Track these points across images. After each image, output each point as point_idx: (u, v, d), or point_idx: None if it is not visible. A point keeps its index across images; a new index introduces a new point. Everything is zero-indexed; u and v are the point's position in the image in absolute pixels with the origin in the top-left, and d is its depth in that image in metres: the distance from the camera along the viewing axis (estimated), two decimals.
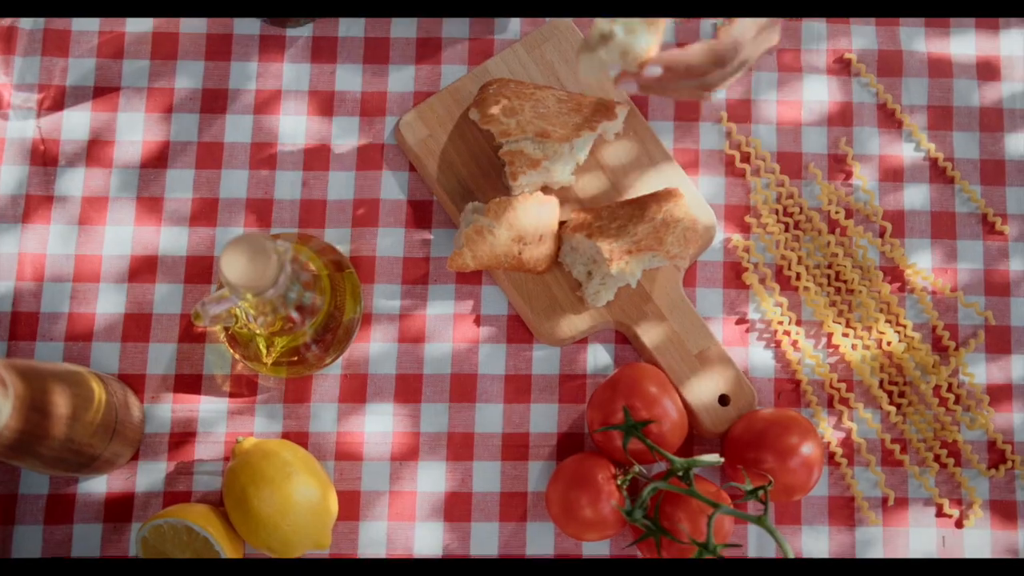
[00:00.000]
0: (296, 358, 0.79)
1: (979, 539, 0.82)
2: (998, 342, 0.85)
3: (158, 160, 0.85)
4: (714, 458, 0.75)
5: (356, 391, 0.82)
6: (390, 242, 0.85)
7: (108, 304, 0.83)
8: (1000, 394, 0.84)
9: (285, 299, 0.70)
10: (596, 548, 0.81)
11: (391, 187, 0.86)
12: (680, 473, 0.76)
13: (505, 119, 0.81)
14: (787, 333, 0.85)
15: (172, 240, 0.84)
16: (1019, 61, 0.90)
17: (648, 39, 0.66)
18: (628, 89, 0.68)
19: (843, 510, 0.82)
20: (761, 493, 0.75)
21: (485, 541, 0.81)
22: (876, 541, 0.82)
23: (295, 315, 0.73)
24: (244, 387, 0.82)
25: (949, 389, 0.85)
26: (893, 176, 0.88)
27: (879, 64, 0.89)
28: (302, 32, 0.88)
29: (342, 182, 0.86)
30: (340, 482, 0.81)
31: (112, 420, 0.74)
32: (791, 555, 0.71)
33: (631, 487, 0.81)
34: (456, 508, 0.81)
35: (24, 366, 0.66)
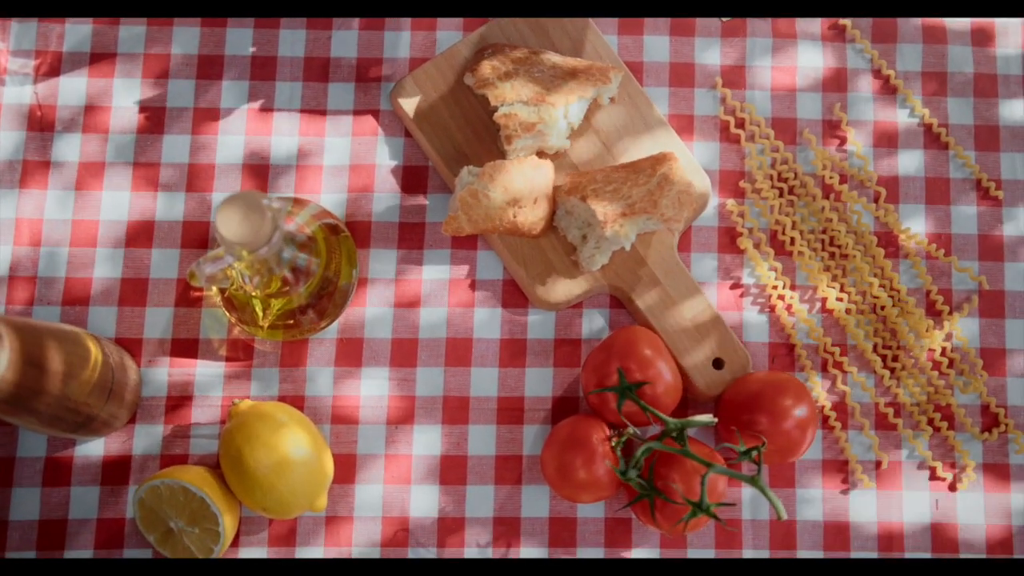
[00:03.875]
0: (292, 322, 0.79)
1: (972, 502, 0.82)
2: (991, 306, 0.85)
3: (154, 125, 0.86)
4: (707, 418, 0.76)
5: (352, 355, 0.83)
6: (385, 207, 0.85)
7: (105, 269, 0.83)
8: (993, 358, 0.85)
9: (279, 258, 0.71)
10: (591, 510, 0.82)
11: (386, 152, 0.86)
12: (674, 434, 0.76)
13: (500, 83, 0.81)
14: (781, 297, 0.85)
15: (168, 205, 0.85)
16: (1013, 27, 0.90)
17: None
18: None
19: (837, 473, 0.83)
20: (755, 454, 0.75)
21: (480, 504, 0.81)
22: (870, 504, 0.82)
23: (289, 276, 0.74)
24: (240, 351, 0.83)
25: (943, 353, 0.85)
26: (887, 142, 0.88)
27: (873, 30, 0.89)
28: None
29: (338, 148, 0.86)
30: (336, 445, 0.82)
31: (108, 380, 0.74)
32: (784, 515, 0.71)
33: (625, 449, 0.82)
34: (451, 471, 0.82)
35: (21, 322, 0.66)
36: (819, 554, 0.81)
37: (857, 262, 0.85)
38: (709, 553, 0.81)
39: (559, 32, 0.86)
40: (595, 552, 0.81)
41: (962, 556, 0.82)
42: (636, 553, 0.81)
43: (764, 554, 0.81)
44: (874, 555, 0.81)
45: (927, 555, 0.82)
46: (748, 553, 0.81)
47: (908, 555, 0.81)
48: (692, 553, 0.81)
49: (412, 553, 0.80)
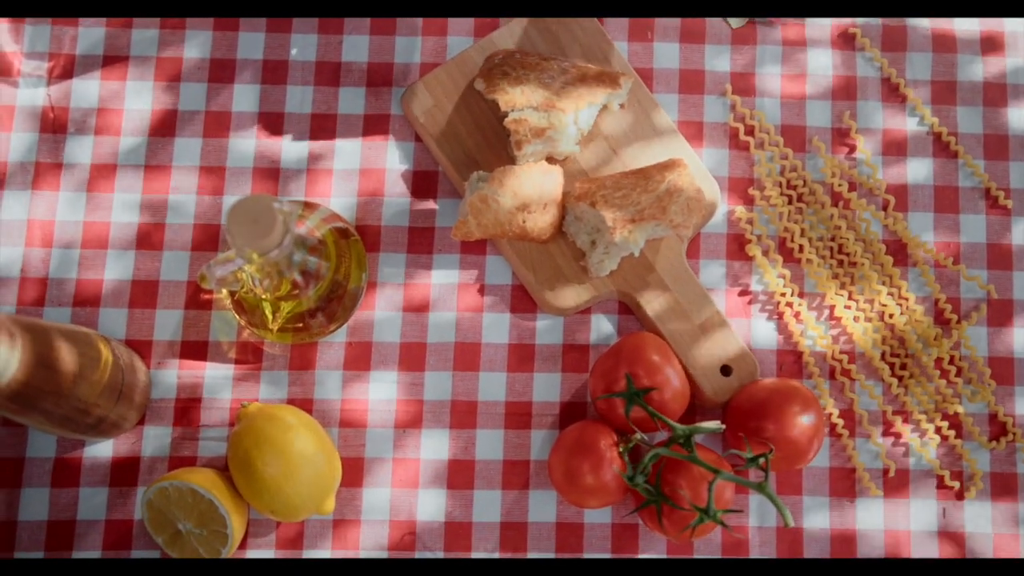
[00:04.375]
0: (301, 325, 0.79)
1: (980, 511, 0.82)
2: (1000, 315, 0.85)
3: (166, 129, 0.86)
4: (715, 425, 0.76)
5: (360, 359, 0.83)
6: (395, 211, 0.85)
7: (115, 271, 0.84)
8: (1002, 367, 0.85)
9: (290, 261, 0.71)
10: (598, 516, 0.82)
11: (397, 157, 0.86)
12: (681, 440, 0.76)
13: (510, 88, 0.81)
14: (789, 305, 0.85)
15: (179, 208, 0.85)
16: (1023, 37, 0.90)
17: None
18: None
19: (844, 481, 0.83)
20: (762, 461, 0.75)
21: (487, 508, 0.81)
22: (877, 512, 0.82)
23: (299, 279, 0.74)
24: (250, 354, 0.83)
25: (951, 362, 0.85)
26: (896, 150, 0.88)
27: (883, 38, 0.89)
28: None
29: (348, 152, 0.86)
30: (344, 449, 0.82)
31: (118, 381, 0.74)
32: (791, 522, 0.71)
33: (633, 455, 0.82)
34: (459, 475, 0.82)
35: (32, 323, 0.66)
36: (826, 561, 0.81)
37: (866, 270, 0.85)
38: (715, 560, 0.81)
39: (569, 38, 0.87)
40: (602, 557, 0.81)
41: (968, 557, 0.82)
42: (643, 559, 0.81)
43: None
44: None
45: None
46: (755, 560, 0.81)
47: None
48: (698, 560, 0.81)
49: (419, 557, 0.80)
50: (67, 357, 0.68)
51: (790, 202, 0.87)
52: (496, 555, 0.81)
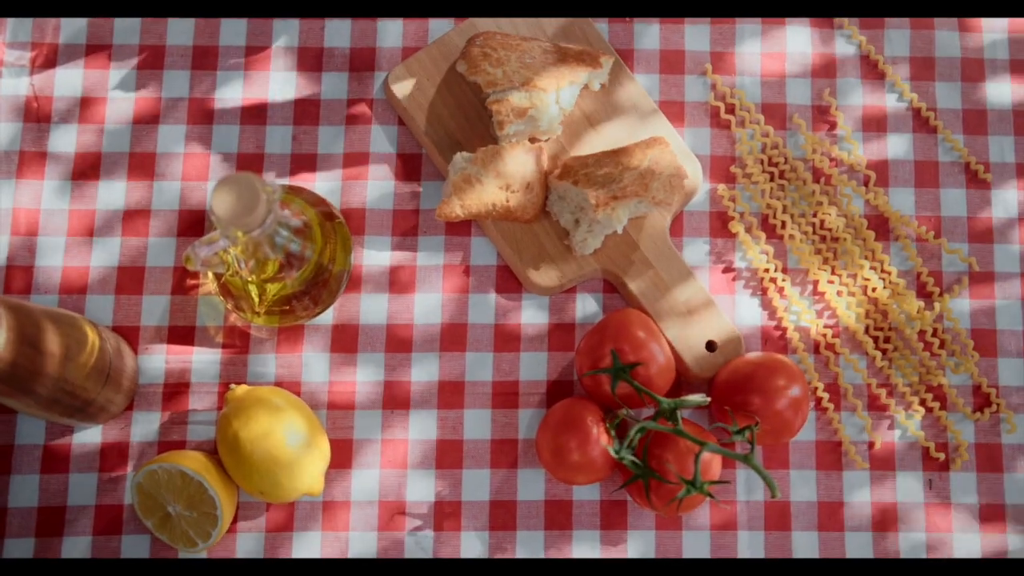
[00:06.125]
0: (287, 308, 0.79)
1: (965, 482, 0.83)
2: (982, 288, 0.86)
3: (150, 116, 0.86)
4: (700, 398, 0.76)
5: (347, 341, 0.83)
6: (380, 195, 0.86)
7: (101, 258, 0.84)
8: (984, 339, 0.85)
9: (274, 242, 0.71)
10: (586, 492, 0.82)
11: (380, 141, 0.87)
12: (667, 414, 0.76)
13: (492, 69, 0.82)
14: (773, 281, 0.86)
15: (164, 194, 0.85)
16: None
17: None
18: None
19: (830, 455, 0.83)
20: (748, 433, 0.75)
21: (476, 488, 0.82)
22: (863, 485, 0.83)
23: (284, 261, 0.74)
24: (237, 338, 0.83)
25: (934, 334, 0.85)
26: (876, 126, 0.89)
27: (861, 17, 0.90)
28: None
29: (332, 136, 0.87)
30: (332, 431, 0.82)
31: (105, 365, 0.75)
32: (778, 494, 0.72)
33: (620, 431, 0.82)
34: (447, 456, 0.82)
35: (17, 303, 0.67)
36: (814, 534, 0.82)
37: (848, 245, 0.86)
38: (704, 535, 0.82)
39: (550, 19, 0.87)
40: (591, 534, 0.81)
41: (956, 557, 0.82)
42: (632, 535, 0.81)
43: (759, 535, 0.82)
44: (868, 534, 0.82)
45: (921, 534, 0.82)
46: (743, 534, 0.82)
47: (901, 535, 0.82)
48: (687, 535, 0.81)
49: (409, 537, 0.81)
50: (54, 338, 0.68)
51: (772, 179, 0.88)
52: (486, 535, 0.81)
